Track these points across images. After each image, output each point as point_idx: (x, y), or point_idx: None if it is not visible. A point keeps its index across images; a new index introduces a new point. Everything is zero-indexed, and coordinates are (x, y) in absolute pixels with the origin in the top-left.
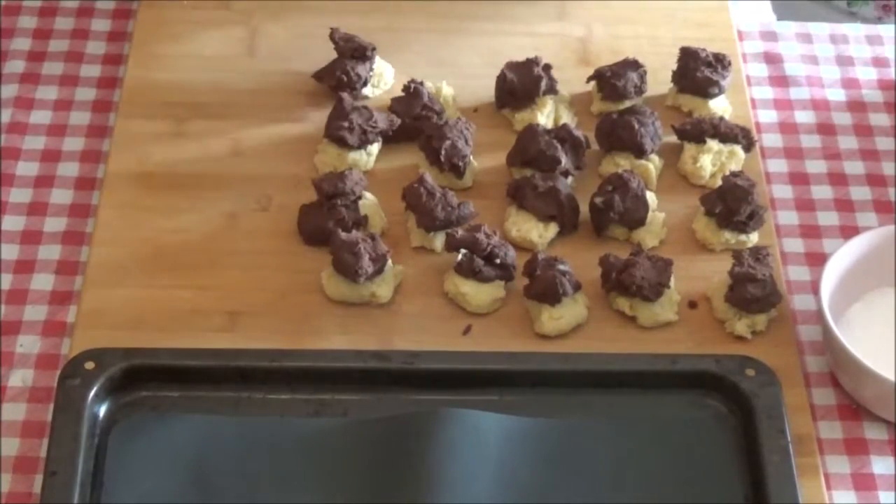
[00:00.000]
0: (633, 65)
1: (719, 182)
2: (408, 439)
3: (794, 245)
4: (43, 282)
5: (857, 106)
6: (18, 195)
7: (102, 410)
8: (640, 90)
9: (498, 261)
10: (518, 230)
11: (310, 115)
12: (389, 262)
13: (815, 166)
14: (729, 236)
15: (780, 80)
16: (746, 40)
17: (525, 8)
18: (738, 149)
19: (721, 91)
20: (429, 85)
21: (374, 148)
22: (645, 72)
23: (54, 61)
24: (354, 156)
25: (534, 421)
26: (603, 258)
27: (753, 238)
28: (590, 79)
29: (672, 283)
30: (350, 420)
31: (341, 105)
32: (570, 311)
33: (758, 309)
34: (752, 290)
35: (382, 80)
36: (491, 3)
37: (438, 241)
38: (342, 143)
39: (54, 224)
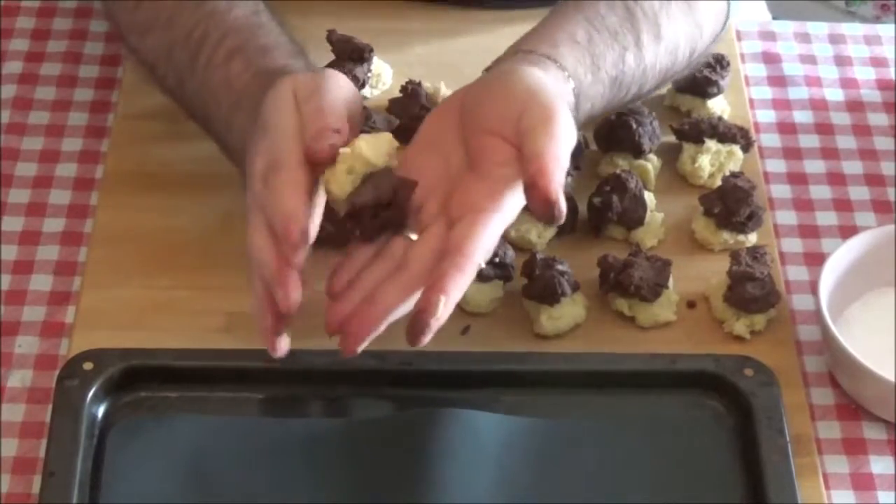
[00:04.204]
0: None
1: (718, 182)
2: (406, 439)
3: (793, 245)
4: (41, 282)
5: (855, 106)
6: (17, 196)
7: (101, 411)
8: None
9: (497, 259)
10: (517, 230)
11: None
12: None
13: (814, 166)
14: (728, 237)
15: (779, 80)
16: (745, 40)
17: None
18: (737, 149)
19: (720, 91)
20: (427, 85)
21: None
22: None
23: (52, 62)
24: None
25: (532, 421)
26: (601, 259)
27: (752, 238)
28: None
29: (671, 283)
30: (349, 420)
31: None
32: (568, 312)
33: (756, 308)
34: (750, 290)
35: (381, 81)
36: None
37: None
38: None
39: (53, 225)
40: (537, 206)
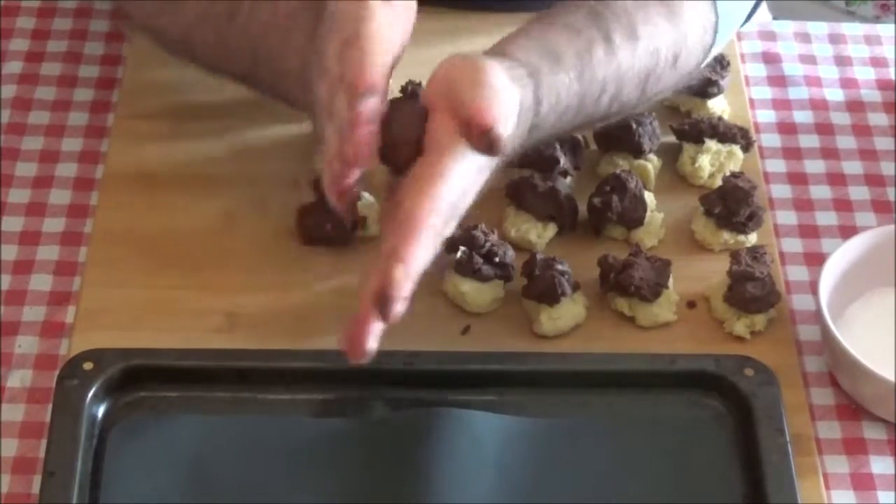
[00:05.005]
0: None
1: (718, 182)
2: (406, 439)
3: (793, 245)
4: (41, 282)
5: (855, 106)
6: (17, 196)
7: (101, 411)
8: None
9: (497, 259)
10: (517, 230)
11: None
12: None
13: (814, 166)
14: (728, 237)
15: (779, 80)
16: (745, 40)
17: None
18: (737, 149)
19: (720, 91)
20: None
21: None
22: None
23: (53, 62)
24: None
25: (532, 421)
26: (602, 259)
27: (752, 238)
28: None
29: (671, 283)
30: (349, 420)
31: None
32: (568, 312)
33: (756, 308)
34: (751, 290)
35: None
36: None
37: None
38: None
39: (53, 224)
40: (474, 141)
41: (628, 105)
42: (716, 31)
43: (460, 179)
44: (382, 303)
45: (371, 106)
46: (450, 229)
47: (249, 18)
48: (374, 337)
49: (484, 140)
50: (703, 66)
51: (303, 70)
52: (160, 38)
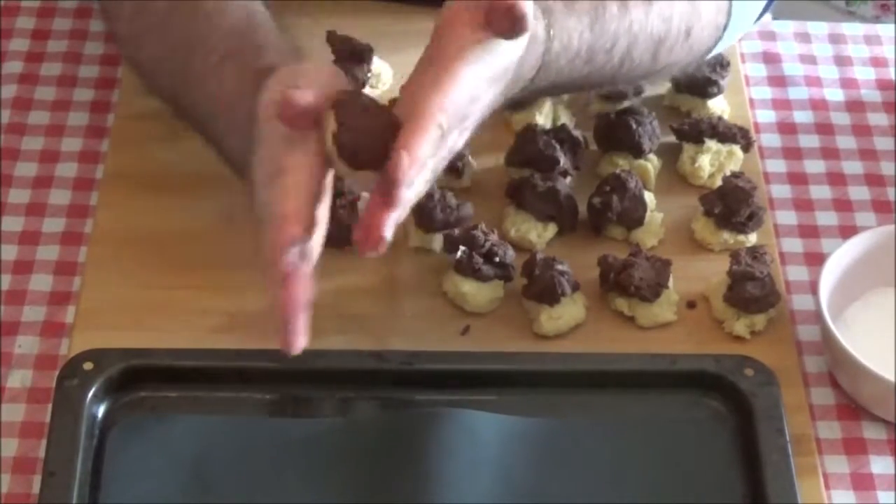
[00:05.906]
0: None
1: (718, 182)
2: (406, 440)
3: (793, 245)
4: (41, 282)
5: (855, 106)
6: (17, 196)
7: (101, 411)
8: (638, 90)
9: (497, 259)
10: (517, 230)
11: None
12: None
13: (814, 166)
14: (728, 237)
15: (779, 80)
16: (745, 40)
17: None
18: (737, 149)
19: (720, 91)
20: None
21: None
22: None
23: (52, 62)
24: None
25: (532, 421)
26: (601, 259)
27: (752, 238)
28: None
29: (671, 283)
30: (349, 420)
31: None
32: (568, 312)
33: (757, 308)
34: (751, 290)
35: (380, 81)
36: None
37: (437, 241)
38: None
39: (53, 225)
40: (498, 19)
41: (639, 69)
42: (729, 14)
43: (470, 84)
44: (389, 186)
45: (296, 257)
46: (458, 139)
47: (197, 87)
48: (387, 226)
49: (508, 17)
50: (714, 49)
51: (244, 155)
52: (130, 65)
